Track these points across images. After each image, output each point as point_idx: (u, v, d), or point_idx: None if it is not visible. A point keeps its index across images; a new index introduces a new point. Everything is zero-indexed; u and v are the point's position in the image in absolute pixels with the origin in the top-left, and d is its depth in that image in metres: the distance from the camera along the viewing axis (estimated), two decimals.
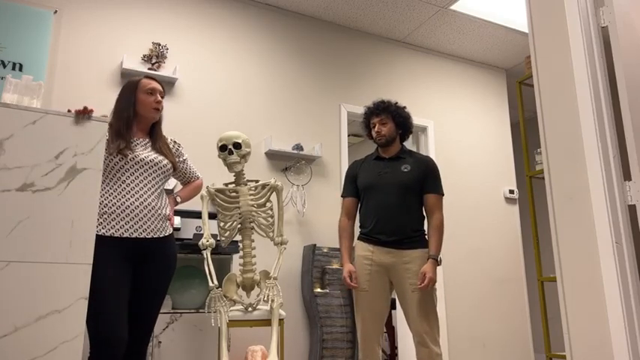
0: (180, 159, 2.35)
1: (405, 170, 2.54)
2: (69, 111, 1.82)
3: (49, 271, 1.61)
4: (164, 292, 2.16)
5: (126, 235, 2.04)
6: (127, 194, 2.07)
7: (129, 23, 3.48)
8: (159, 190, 2.18)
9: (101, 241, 1.97)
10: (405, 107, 2.67)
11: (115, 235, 2.02)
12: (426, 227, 2.55)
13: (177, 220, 2.82)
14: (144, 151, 2.17)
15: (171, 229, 2.22)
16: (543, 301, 2.87)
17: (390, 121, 2.60)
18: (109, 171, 2.09)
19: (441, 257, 2.46)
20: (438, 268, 2.44)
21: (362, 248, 2.53)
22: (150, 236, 2.09)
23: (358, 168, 2.67)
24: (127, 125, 2.17)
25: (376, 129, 2.61)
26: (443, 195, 2.57)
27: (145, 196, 2.10)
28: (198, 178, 2.46)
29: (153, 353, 2.71)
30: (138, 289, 2.08)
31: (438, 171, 2.59)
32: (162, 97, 2.26)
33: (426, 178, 2.54)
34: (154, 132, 2.26)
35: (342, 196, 2.70)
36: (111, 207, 2.04)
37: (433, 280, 2.36)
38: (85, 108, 1.82)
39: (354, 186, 2.65)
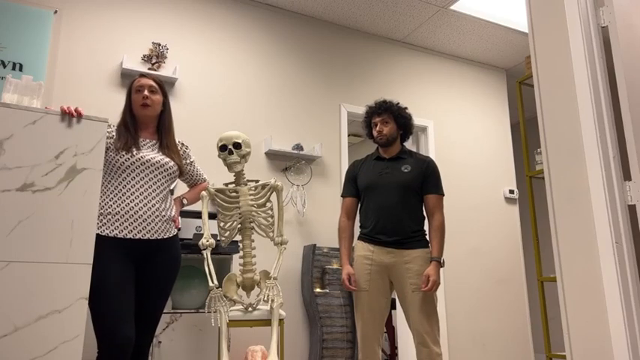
0: (187, 161, 2.35)
1: (406, 170, 2.54)
2: (63, 111, 1.76)
3: (49, 271, 1.61)
4: (168, 293, 2.16)
5: (129, 236, 2.04)
6: (132, 196, 2.07)
7: (129, 23, 3.48)
8: (164, 192, 2.17)
9: (104, 241, 1.97)
10: (406, 108, 2.67)
11: (119, 236, 2.02)
12: (426, 227, 2.55)
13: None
14: (150, 153, 2.16)
15: (176, 230, 2.22)
16: (543, 301, 2.87)
17: (391, 121, 2.60)
18: (115, 171, 2.08)
19: (444, 259, 2.46)
20: (440, 269, 2.44)
21: (362, 248, 2.53)
22: (154, 237, 2.09)
23: (358, 168, 2.67)
24: (130, 126, 2.17)
25: (377, 128, 2.61)
26: (443, 195, 2.57)
27: (150, 198, 2.10)
28: (204, 181, 2.46)
29: (153, 353, 2.71)
30: (141, 290, 2.08)
31: (438, 171, 2.59)
32: (154, 92, 2.20)
33: (426, 179, 2.54)
34: (160, 132, 2.25)
35: (342, 196, 2.70)
36: (115, 208, 2.04)
37: (437, 283, 2.36)
38: (71, 109, 1.77)
39: (354, 186, 2.65)
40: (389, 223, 2.48)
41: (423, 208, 2.59)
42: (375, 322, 2.44)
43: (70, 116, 1.77)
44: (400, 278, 2.44)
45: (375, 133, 2.63)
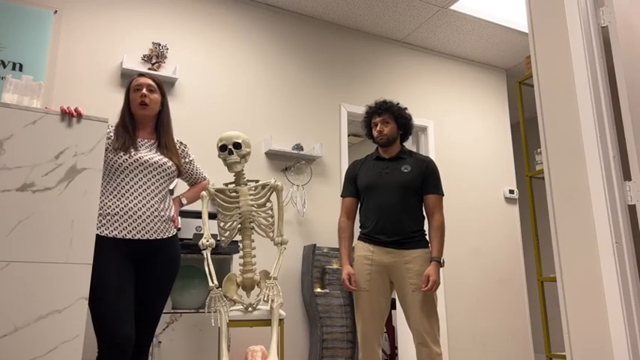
0: (186, 160, 2.35)
1: (406, 171, 2.54)
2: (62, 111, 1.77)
3: (49, 271, 1.61)
4: (167, 293, 2.16)
5: (129, 236, 2.04)
6: (131, 196, 2.07)
7: (129, 23, 3.48)
8: (163, 192, 2.17)
9: (104, 241, 1.97)
10: (406, 108, 2.68)
11: (118, 237, 2.02)
12: (426, 227, 2.56)
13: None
14: (149, 153, 2.16)
15: (175, 230, 2.22)
16: (543, 301, 2.87)
17: (392, 122, 2.61)
18: (113, 172, 2.09)
19: (444, 259, 2.46)
20: (440, 269, 2.44)
21: (362, 248, 2.53)
22: (153, 237, 2.09)
23: (358, 168, 2.67)
24: (129, 126, 2.17)
25: (378, 128, 2.61)
26: (443, 195, 2.57)
27: (149, 198, 2.10)
28: (204, 179, 2.46)
29: (153, 353, 2.71)
30: (141, 290, 2.08)
31: (437, 171, 2.60)
32: (153, 91, 2.20)
33: (426, 179, 2.55)
34: (159, 131, 2.25)
35: (341, 196, 2.70)
36: (114, 209, 2.04)
37: (437, 283, 2.36)
38: (71, 109, 1.78)
39: (354, 186, 2.65)
40: (389, 223, 2.48)
41: (423, 208, 2.59)
42: (376, 322, 2.44)
43: (70, 116, 1.77)
44: (400, 278, 2.44)
45: (375, 133, 2.63)
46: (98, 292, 1.87)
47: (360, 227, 2.61)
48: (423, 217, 2.58)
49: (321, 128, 4.01)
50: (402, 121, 2.63)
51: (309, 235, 3.72)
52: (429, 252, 2.48)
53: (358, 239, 2.59)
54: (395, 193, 2.50)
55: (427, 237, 2.54)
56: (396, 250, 2.46)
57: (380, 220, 2.49)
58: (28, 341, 1.54)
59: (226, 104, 3.68)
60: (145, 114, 2.19)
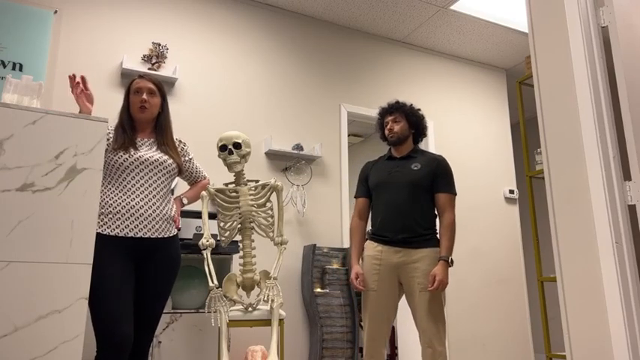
0: (186, 158, 2.35)
1: (415, 168, 2.54)
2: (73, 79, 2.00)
3: (49, 271, 1.61)
4: (167, 293, 2.16)
5: (130, 234, 2.04)
6: (132, 194, 2.07)
7: (129, 23, 3.48)
8: (164, 191, 2.17)
9: (105, 240, 1.97)
10: (419, 109, 2.68)
11: (120, 235, 2.02)
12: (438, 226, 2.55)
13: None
14: (149, 151, 2.16)
15: (176, 230, 2.22)
16: (543, 301, 2.87)
17: (402, 120, 2.61)
18: (114, 171, 2.09)
19: (452, 259, 2.42)
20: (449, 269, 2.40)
21: (371, 248, 2.53)
22: (154, 236, 2.09)
23: (370, 168, 2.68)
24: (127, 127, 2.17)
25: (389, 127, 2.61)
26: (455, 194, 2.54)
27: (150, 196, 2.10)
28: (204, 178, 2.46)
29: (153, 353, 2.71)
30: (141, 289, 2.08)
31: (450, 170, 2.57)
32: (153, 94, 2.21)
33: (436, 177, 2.52)
34: (158, 131, 2.25)
35: (355, 197, 2.71)
36: (115, 207, 2.04)
37: (444, 283, 2.33)
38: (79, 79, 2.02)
39: (366, 186, 2.65)
40: (396, 220, 2.47)
41: (435, 208, 2.57)
42: (383, 322, 2.44)
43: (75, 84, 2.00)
44: (408, 278, 2.43)
45: (386, 132, 2.64)
46: (97, 291, 1.87)
47: (371, 227, 2.61)
48: (435, 216, 2.55)
49: (321, 128, 4.00)
50: (413, 119, 2.62)
51: (309, 235, 3.72)
52: (439, 251, 2.44)
53: (368, 239, 2.59)
54: (404, 191, 2.50)
55: (438, 236, 2.52)
56: (404, 249, 2.45)
57: (386, 217, 2.49)
58: (28, 341, 1.53)
59: (226, 104, 3.68)
60: (144, 117, 2.20)
